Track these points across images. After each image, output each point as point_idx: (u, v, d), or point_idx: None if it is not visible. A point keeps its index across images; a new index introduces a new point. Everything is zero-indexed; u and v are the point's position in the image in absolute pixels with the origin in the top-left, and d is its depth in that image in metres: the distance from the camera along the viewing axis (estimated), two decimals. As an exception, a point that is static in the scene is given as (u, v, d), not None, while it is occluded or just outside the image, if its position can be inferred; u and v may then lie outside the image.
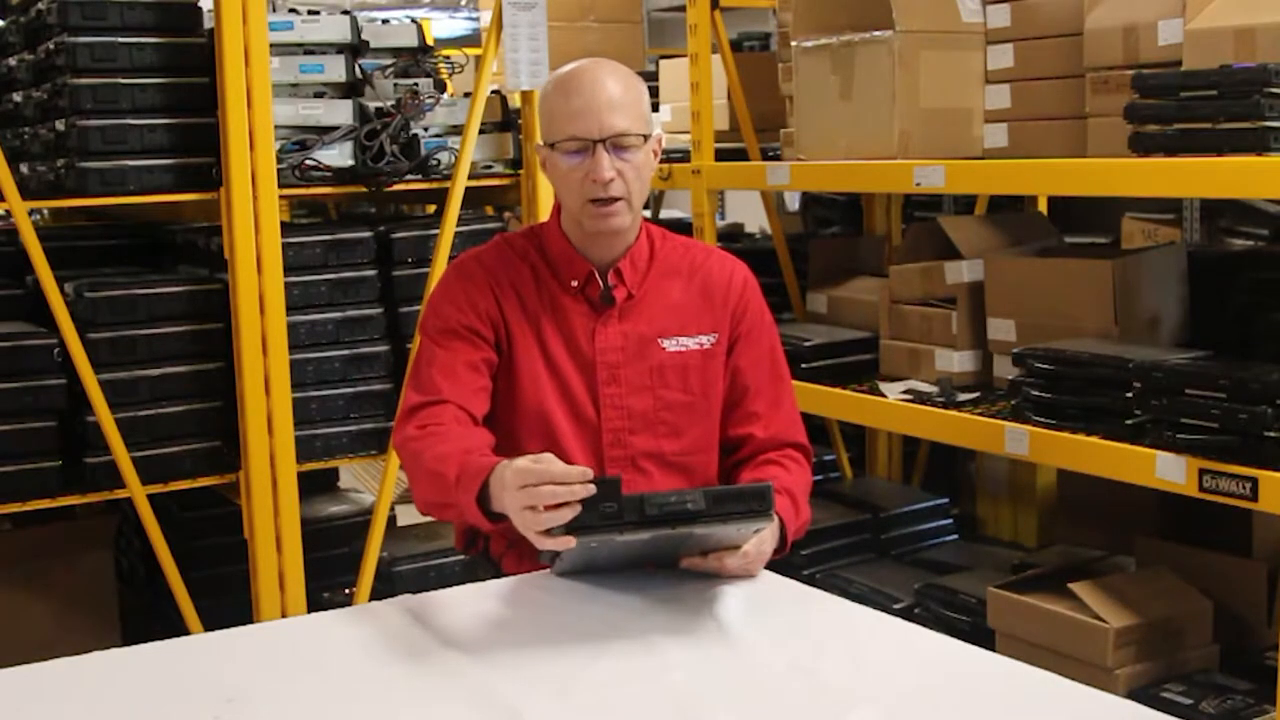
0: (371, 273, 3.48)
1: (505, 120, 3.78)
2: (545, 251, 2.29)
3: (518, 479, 1.82)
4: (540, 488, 1.79)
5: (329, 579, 3.68)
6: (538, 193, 3.67)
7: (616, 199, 2.16)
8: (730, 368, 2.31)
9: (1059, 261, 3.34)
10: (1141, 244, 4.19)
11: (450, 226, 3.46)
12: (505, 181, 3.77)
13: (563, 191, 2.22)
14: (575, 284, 2.25)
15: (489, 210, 4.29)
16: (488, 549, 2.35)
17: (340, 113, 3.44)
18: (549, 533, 1.80)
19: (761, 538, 2.03)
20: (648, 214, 3.47)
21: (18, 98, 3.57)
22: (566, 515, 1.78)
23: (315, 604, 3.41)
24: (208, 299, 3.33)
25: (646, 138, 2.18)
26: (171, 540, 3.32)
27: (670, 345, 2.26)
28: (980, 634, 3.10)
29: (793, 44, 3.62)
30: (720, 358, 2.30)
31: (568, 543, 1.81)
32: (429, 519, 3.98)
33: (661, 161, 2.34)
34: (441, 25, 10.56)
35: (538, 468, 1.81)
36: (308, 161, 3.37)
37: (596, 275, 2.25)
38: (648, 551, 1.98)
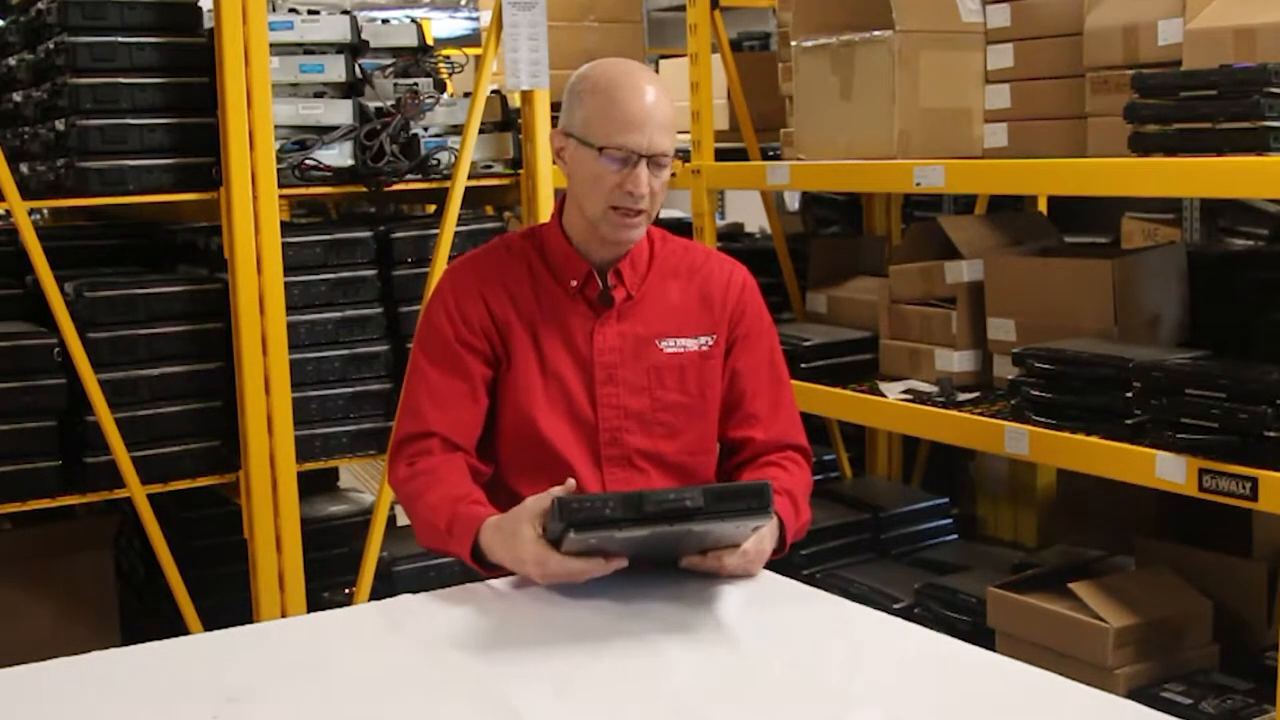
0: (371, 273, 3.48)
1: (505, 120, 3.78)
2: (545, 252, 2.28)
3: (539, 570, 1.95)
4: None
5: (329, 579, 3.69)
6: (538, 193, 3.67)
7: (640, 211, 2.17)
8: (729, 370, 2.30)
9: (1059, 261, 3.33)
10: (1141, 244, 4.19)
11: (450, 226, 3.47)
12: (505, 181, 3.77)
13: (586, 190, 2.17)
14: (574, 284, 2.25)
15: (489, 210, 4.29)
16: (488, 549, 2.35)
17: (340, 112, 3.44)
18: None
19: (760, 536, 2.03)
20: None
21: (18, 98, 3.57)
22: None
23: (315, 604, 3.41)
24: (207, 299, 3.33)
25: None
26: (171, 540, 3.32)
27: (668, 346, 2.25)
28: (980, 634, 3.10)
29: (793, 44, 3.62)
30: (718, 359, 2.29)
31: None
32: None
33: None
34: (441, 25, 10.55)
35: (555, 567, 1.93)
36: (308, 161, 3.37)
37: (595, 275, 2.25)
38: (647, 549, 1.98)
